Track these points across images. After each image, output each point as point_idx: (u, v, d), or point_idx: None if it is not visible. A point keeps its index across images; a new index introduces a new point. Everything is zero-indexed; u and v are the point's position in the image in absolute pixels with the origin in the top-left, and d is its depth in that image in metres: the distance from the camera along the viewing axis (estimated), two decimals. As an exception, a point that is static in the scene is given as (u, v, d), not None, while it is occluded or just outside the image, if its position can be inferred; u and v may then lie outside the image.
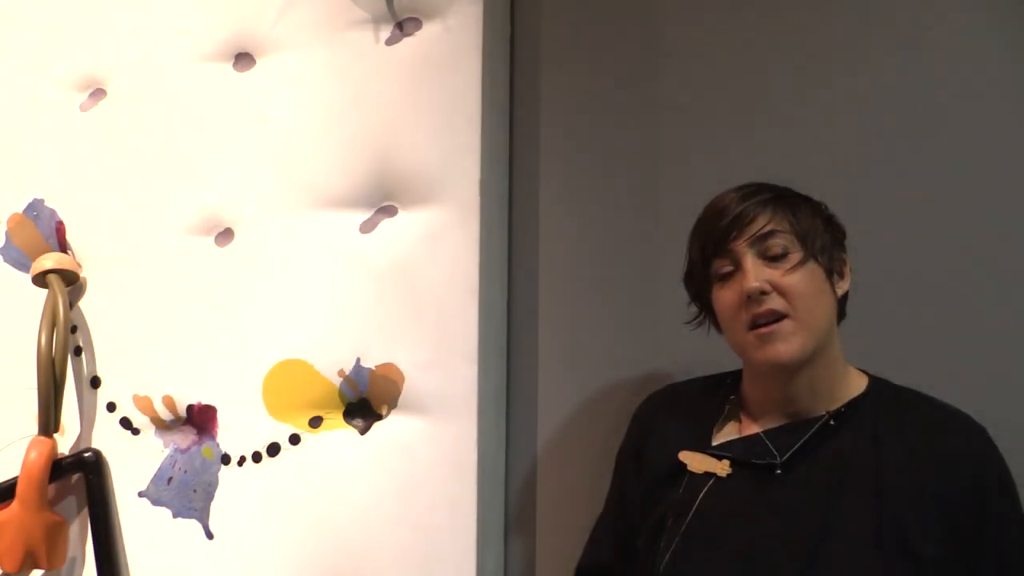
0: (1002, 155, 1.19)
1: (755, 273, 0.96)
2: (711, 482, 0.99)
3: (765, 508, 0.95)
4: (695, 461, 1.01)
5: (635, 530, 1.06)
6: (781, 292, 0.95)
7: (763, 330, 0.95)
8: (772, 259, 0.97)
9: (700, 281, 1.03)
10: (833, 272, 1.00)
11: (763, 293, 0.95)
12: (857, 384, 1.01)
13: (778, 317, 0.95)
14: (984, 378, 1.15)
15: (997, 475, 0.94)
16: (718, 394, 1.08)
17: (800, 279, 0.96)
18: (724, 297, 1.00)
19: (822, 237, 0.99)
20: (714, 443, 1.03)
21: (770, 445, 0.98)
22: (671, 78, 1.33)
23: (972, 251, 1.19)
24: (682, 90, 1.33)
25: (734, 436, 1.03)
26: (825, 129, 1.26)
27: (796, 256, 0.96)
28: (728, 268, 0.99)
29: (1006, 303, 1.17)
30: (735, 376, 1.09)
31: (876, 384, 1.01)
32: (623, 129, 1.34)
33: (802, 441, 0.97)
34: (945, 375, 1.12)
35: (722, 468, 0.99)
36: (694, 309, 1.08)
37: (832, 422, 0.98)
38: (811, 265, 0.97)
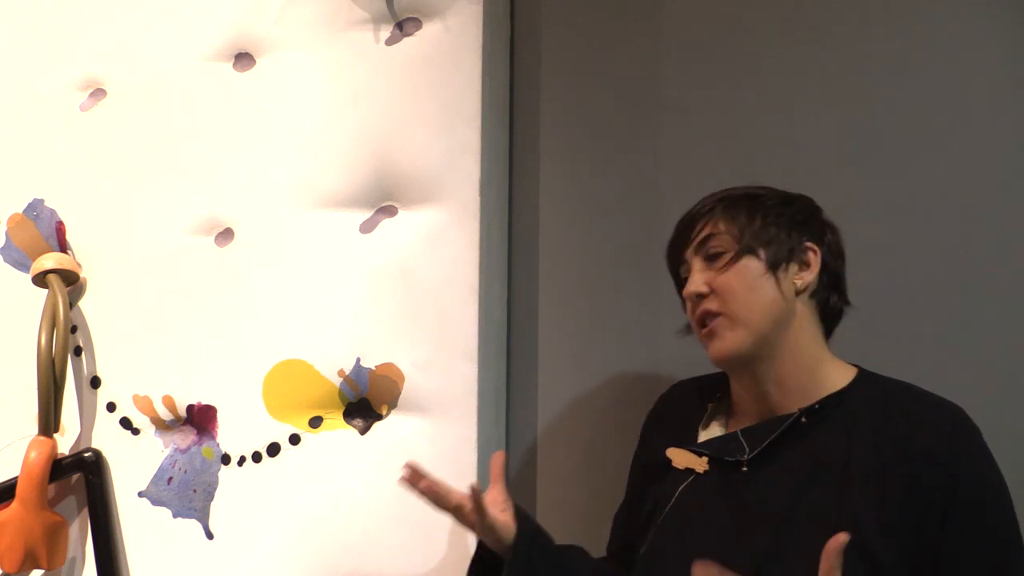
0: (1001, 155, 1.19)
1: (695, 277, 1.01)
2: (690, 478, 1.02)
3: (734, 504, 0.97)
4: (679, 457, 1.04)
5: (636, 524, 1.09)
6: (716, 291, 0.99)
7: (704, 329, 1.00)
8: (712, 259, 1.01)
9: (678, 289, 1.08)
10: (783, 262, 0.99)
11: (699, 296, 1.00)
12: (840, 378, 0.99)
13: (714, 316, 0.99)
14: (982, 377, 1.16)
15: (974, 470, 0.90)
16: (711, 392, 1.10)
17: (730, 277, 0.99)
18: (685, 302, 1.04)
19: (765, 230, 0.99)
20: (699, 440, 1.05)
21: (743, 442, 0.99)
22: (671, 78, 1.33)
23: (972, 251, 1.19)
24: (682, 90, 1.33)
25: (717, 434, 1.05)
26: (824, 129, 1.26)
27: (728, 255, 0.99)
28: (686, 275, 1.04)
29: (1004, 303, 1.18)
30: (726, 376, 1.10)
31: (862, 378, 1.00)
32: (623, 129, 1.35)
33: (770, 439, 0.97)
34: (944, 373, 1.12)
35: (700, 465, 1.02)
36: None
37: (804, 419, 0.97)
38: (745, 261, 0.98)
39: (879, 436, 0.94)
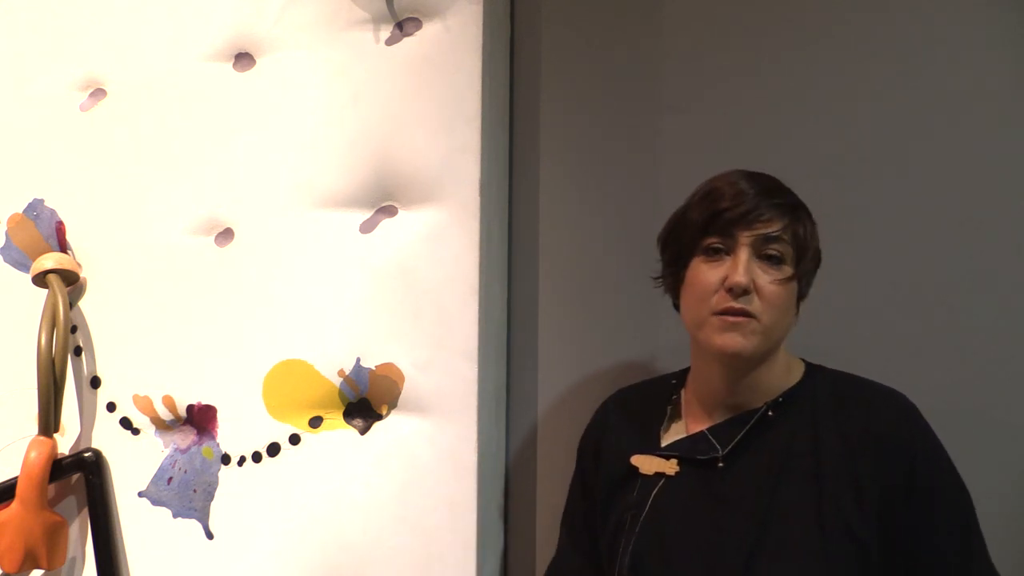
0: (1003, 156, 1.20)
1: (746, 268, 0.96)
2: (662, 482, 1.02)
3: (712, 501, 0.98)
4: (645, 463, 1.04)
5: (596, 535, 1.10)
6: (761, 296, 0.97)
7: (730, 318, 0.96)
8: (766, 260, 0.98)
9: (684, 245, 1.03)
10: (804, 295, 1.03)
11: (746, 292, 0.96)
12: (795, 373, 1.03)
13: (748, 315, 0.97)
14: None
15: (926, 450, 0.96)
16: (664, 396, 1.11)
17: (782, 293, 0.98)
18: (705, 273, 1.00)
19: (812, 261, 1.02)
20: (662, 444, 1.06)
21: (713, 440, 1.01)
22: (671, 78, 1.33)
23: (972, 251, 1.19)
24: (682, 90, 1.33)
25: (681, 436, 1.05)
26: (825, 129, 1.26)
27: (788, 270, 0.98)
28: (719, 247, 0.99)
29: (1004, 303, 1.18)
30: (680, 376, 1.12)
31: (812, 371, 1.04)
32: (623, 129, 1.35)
33: (742, 434, 0.99)
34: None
35: (670, 467, 1.02)
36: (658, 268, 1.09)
37: (770, 413, 1.00)
38: (793, 284, 0.99)
39: (841, 424, 0.98)
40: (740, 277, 0.96)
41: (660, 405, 1.10)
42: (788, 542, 0.93)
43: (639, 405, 1.12)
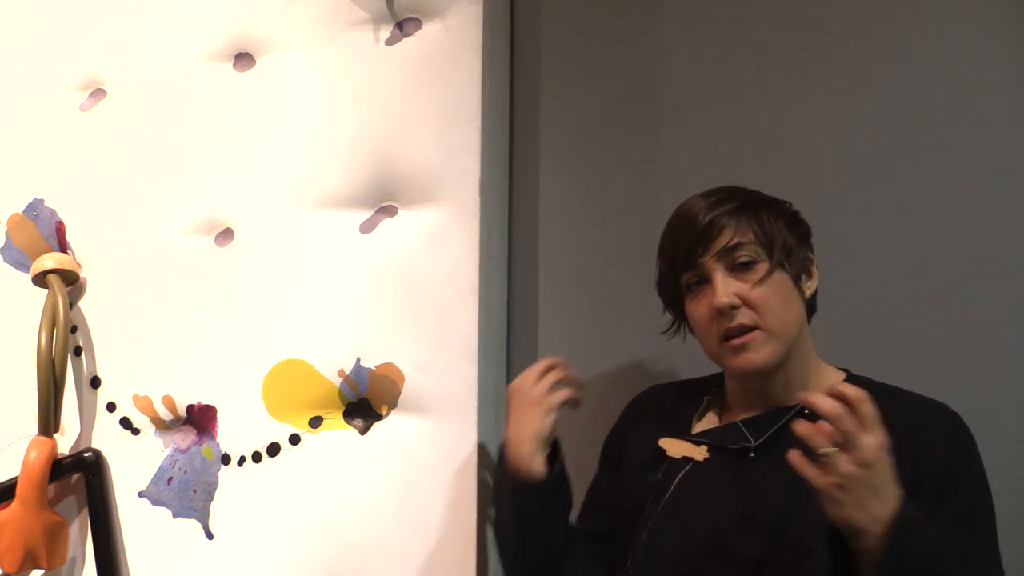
0: (1002, 156, 1.20)
1: (723, 288, 0.98)
2: (689, 466, 1.03)
3: (737, 490, 0.99)
4: (674, 446, 1.05)
5: (618, 509, 1.10)
6: (750, 305, 0.98)
7: (735, 342, 0.98)
8: (739, 269, 0.99)
9: (672, 292, 1.06)
10: (801, 275, 1.02)
11: (733, 308, 0.98)
12: (834, 379, 1.03)
13: (748, 329, 0.98)
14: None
15: (963, 457, 0.96)
16: (700, 392, 1.12)
17: (768, 291, 0.98)
18: (695, 310, 1.03)
19: (787, 241, 1.01)
20: (694, 431, 1.07)
21: (745, 431, 1.02)
22: (671, 78, 1.33)
23: (972, 252, 1.19)
24: (682, 90, 1.33)
25: (713, 425, 1.07)
26: (824, 129, 1.26)
27: (763, 267, 0.99)
28: (698, 280, 1.02)
29: (1005, 305, 1.18)
30: (718, 378, 1.13)
31: (853, 379, 1.03)
32: (623, 129, 1.35)
33: (776, 427, 1.00)
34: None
35: (699, 453, 1.03)
36: (668, 317, 1.11)
37: (807, 411, 0.98)
38: (778, 274, 0.99)
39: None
40: (720, 298, 0.98)
41: (696, 397, 1.11)
42: (805, 537, 0.93)
43: (674, 398, 1.13)
